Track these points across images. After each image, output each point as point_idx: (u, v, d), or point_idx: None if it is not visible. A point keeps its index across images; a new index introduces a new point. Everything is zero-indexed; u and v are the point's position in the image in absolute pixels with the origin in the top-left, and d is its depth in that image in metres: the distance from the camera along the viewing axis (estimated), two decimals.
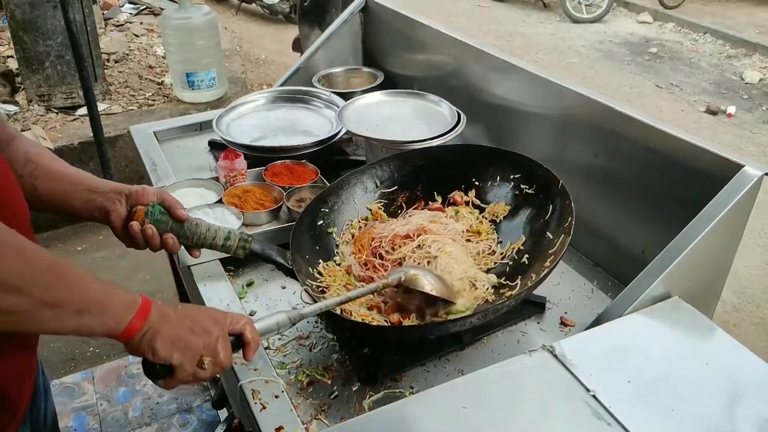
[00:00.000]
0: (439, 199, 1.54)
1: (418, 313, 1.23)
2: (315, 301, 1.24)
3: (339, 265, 1.39)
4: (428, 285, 1.19)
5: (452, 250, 1.34)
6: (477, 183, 1.52)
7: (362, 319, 1.23)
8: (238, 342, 0.97)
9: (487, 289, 1.32)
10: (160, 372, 0.91)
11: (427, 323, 1.21)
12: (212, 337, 0.92)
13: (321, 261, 1.38)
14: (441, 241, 1.36)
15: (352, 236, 1.46)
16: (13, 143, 1.13)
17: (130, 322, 0.86)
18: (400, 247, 1.38)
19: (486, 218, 1.48)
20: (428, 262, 1.33)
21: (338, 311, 1.22)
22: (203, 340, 0.91)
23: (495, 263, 1.39)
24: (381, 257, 1.38)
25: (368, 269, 1.36)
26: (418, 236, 1.39)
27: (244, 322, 0.98)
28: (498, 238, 1.45)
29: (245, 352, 0.98)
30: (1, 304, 0.76)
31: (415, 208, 1.54)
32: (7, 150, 1.10)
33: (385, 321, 1.24)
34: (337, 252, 1.43)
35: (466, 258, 1.37)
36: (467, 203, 1.52)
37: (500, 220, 1.47)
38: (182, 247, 1.24)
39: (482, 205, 1.50)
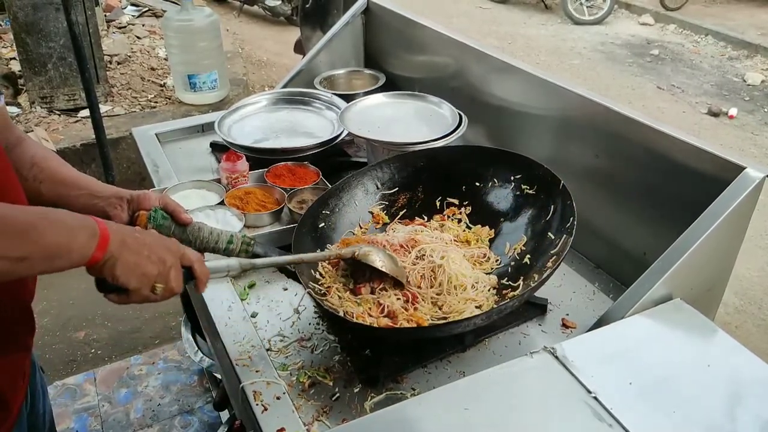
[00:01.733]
0: (438, 203, 1.54)
1: (369, 285, 1.29)
2: (318, 304, 1.24)
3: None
4: (379, 261, 1.27)
5: (454, 256, 1.34)
6: (478, 184, 1.52)
7: (363, 321, 1.23)
8: (189, 275, 1.04)
9: (489, 290, 1.32)
10: (113, 290, 0.96)
11: (429, 325, 1.21)
12: (166, 265, 0.98)
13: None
14: (439, 249, 1.35)
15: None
16: (20, 146, 1.15)
17: (93, 254, 0.90)
18: None
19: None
20: (433, 271, 1.30)
21: (341, 313, 1.23)
22: (158, 268, 0.97)
23: (492, 269, 1.39)
24: None
25: None
26: (412, 247, 1.36)
27: (196, 257, 1.04)
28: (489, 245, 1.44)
29: (196, 285, 1.06)
30: None
31: (400, 221, 1.52)
32: (14, 153, 1.11)
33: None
34: None
35: (466, 262, 1.36)
36: (458, 221, 1.50)
37: (485, 243, 1.45)
38: None
39: (469, 224, 1.50)
